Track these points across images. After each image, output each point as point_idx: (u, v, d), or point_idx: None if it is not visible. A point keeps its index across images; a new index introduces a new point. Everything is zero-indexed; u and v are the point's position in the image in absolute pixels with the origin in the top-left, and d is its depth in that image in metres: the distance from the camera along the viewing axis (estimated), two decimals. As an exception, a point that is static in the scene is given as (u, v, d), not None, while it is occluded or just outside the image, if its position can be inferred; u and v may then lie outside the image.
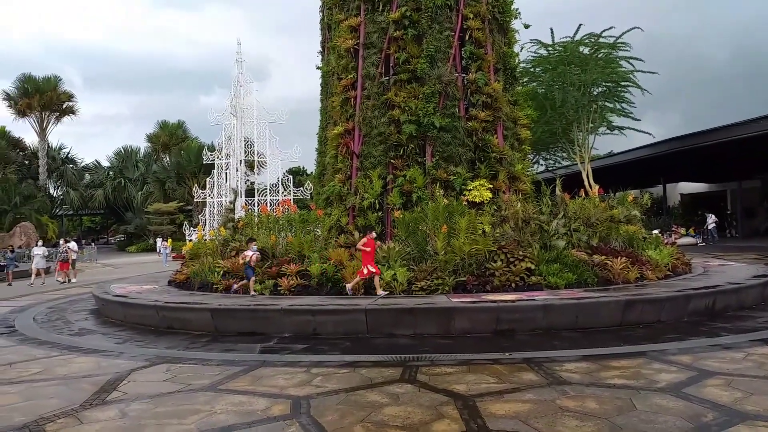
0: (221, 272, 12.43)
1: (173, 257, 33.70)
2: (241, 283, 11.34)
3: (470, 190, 13.06)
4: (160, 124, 67.34)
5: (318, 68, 19.68)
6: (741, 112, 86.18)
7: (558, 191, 12.51)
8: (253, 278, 11.03)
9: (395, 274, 10.46)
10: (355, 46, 14.96)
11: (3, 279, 23.49)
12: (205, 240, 16.13)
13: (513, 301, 8.94)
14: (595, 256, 11.31)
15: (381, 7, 14.70)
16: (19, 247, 34.11)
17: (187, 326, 9.83)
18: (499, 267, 10.43)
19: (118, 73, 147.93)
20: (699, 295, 9.51)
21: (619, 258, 11.31)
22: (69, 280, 22.73)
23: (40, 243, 27.53)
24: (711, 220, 31.78)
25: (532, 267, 10.53)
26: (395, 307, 8.98)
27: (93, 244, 52.45)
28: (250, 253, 11.19)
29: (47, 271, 24.03)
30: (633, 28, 27.25)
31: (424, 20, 14.11)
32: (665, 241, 17.36)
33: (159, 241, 37.72)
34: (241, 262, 11.52)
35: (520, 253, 10.78)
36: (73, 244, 24.19)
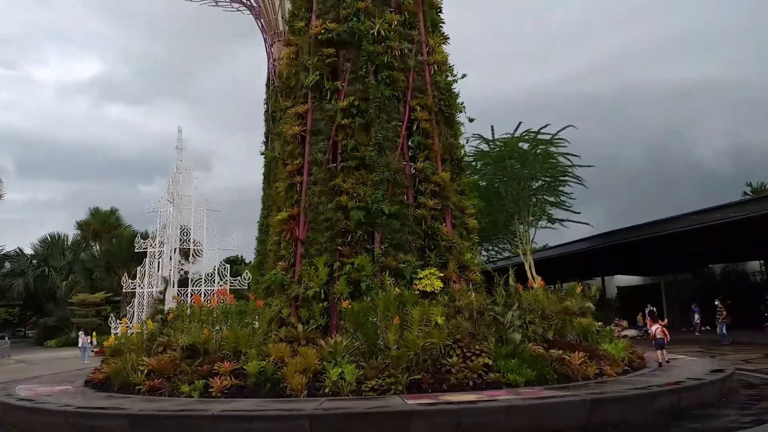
0: (145, 371, 11.05)
1: (96, 352, 30.93)
2: None
3: (421, 278, 12.49)
4: (92, 211, 64.52)
5: (262, 154, 19.34)
6: (654, 211, 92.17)
7: (511, 282, 12.13)
8: None
9: (343, 372, 9.50)
10: (302, 133, 14.68)
11: None
12: (130, 334, 14.64)
13: (474, 402, 8.16)
14: (552, 351, 10.76)
15: (329, 96, 14.60)
16: None
17: (99, 437, 8.42)
18: (456, 363, 9.68)
19: (55, 160, 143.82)
20: (664, 392, 9.03)
21: (577, 352, 10.82)
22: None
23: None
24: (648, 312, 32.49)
25: (490, 362, 9.85)
26: (344, 412, 7.99)
27: (6, 338, 47.96)
28: None
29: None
30: (567, 126, 28.67)
31: (372, 109, 14.06)
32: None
33: (81, 334, 34.82)
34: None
35: (477, 347, 10.11)
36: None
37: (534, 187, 29.62)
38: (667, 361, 12.58)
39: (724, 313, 25.55)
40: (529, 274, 26.96)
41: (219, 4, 47.10)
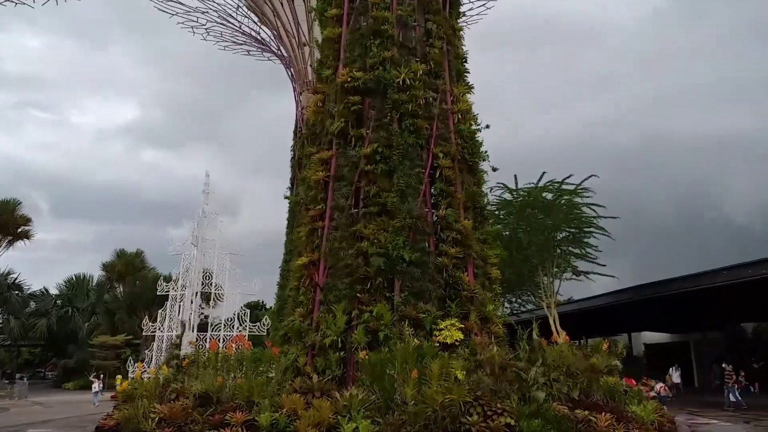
0: (157, 418, 10.76)
1: (111, 396, 30.59)
2: None
3: (441, 329, 12.12)
4: (118, 252, 65.35)
5: (286, 198, 19.41)
6: (682, 264, 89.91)
7: (535, 335, 11.68)
8: None
9: (357, 427, 9.11)
10: (326, 178, 14.71)
11: None
12: (146, 378, 14.40)
13: (495, 464, 7.68)
14: (577, 411, 10.20)
15: (353, 142, 14.68)
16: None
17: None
18: (476, 422, 9.21)
19: (88, 202, 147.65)
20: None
21: (604, 414, 10.23)
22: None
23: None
24: (677, 373, 31.42)
25: (512, 422, 9.35)
26: (357, 470, 7.59)
27: (24, 379, 47.98)
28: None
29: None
30: (590, 176, 28.34)
31: (395, 156, 14.05)
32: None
33: (93, 378, 34.51)
34: None
35: (499, 405, 9.64)
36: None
37: (558, 238, 29.12)
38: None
39: (733, 377, 24.72)
40: (553, 328, 26.19)
41: (251, 53, 48.73)
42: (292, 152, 39.18)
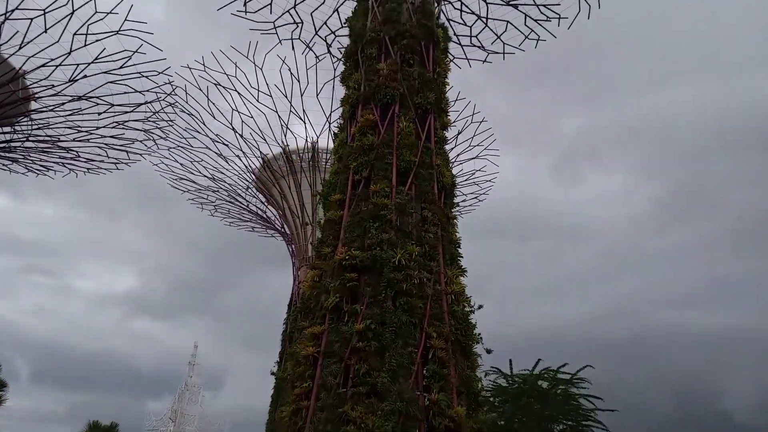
0: None
1: None
2: None
3: None
4: (91, 424, 61.34)
5: (272, 374, 18.89)
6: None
7: None
8: None
9: None
10: (315, 354, 14.53)
11: None
12: None
13: None
14: None
15: (346, 318, 14.74)
16: None
17: None
18: None
19: (71, 369, 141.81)
20: None
21: None
22: None
23: None
24: None
25: None
26: None
27: None
28: None
29: None
30: (586, 366, 27.76)
31: (388, 334, 14.02)
32: None
33: None
34: None
35: None
36: None
37: (556, 430, 27.66)
38: None
39: None
40: None
41: (255, 230, 50.84)
42: (284, 325, 38.90)
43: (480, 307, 16.09)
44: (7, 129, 36.51)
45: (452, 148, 37.07)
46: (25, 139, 37.23)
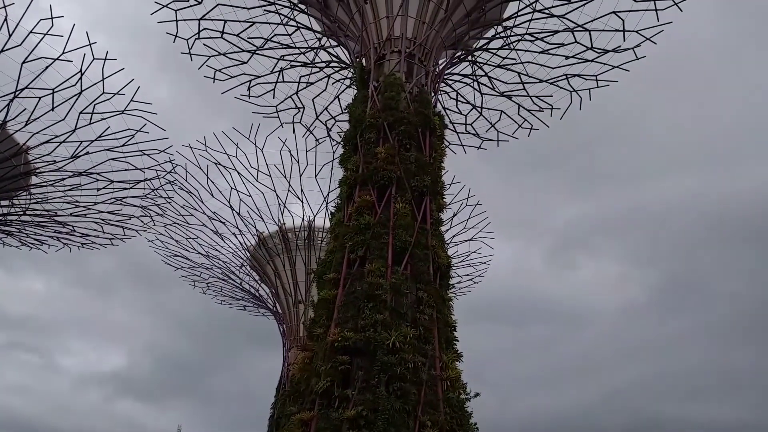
0: None
1: None
2: None
3: None
4: None
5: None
6: None
7: None
8: None
9: None
10: (305, 442, 13.85)
11: None
12: None
13: None
14: None
15: (337, 404, 14.24)
16: None
17: None
18: None
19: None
20: None
21: None
22: None
23: None
24: None
25: None
26: None
27: None
28: None
29: None
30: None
31: (380, 422, 13.51)
32: None
33: None
34: None
35: None
36: None
37: None
38: None
39: None
40: None
41: (247, 308, 50.04)
42: (271, 410, 37.44)
43: (477, 395, 15.62)
44: (4, 202, 36.59)
45: (447, 230, 37.26)
46: (22, 212, 37.22)
